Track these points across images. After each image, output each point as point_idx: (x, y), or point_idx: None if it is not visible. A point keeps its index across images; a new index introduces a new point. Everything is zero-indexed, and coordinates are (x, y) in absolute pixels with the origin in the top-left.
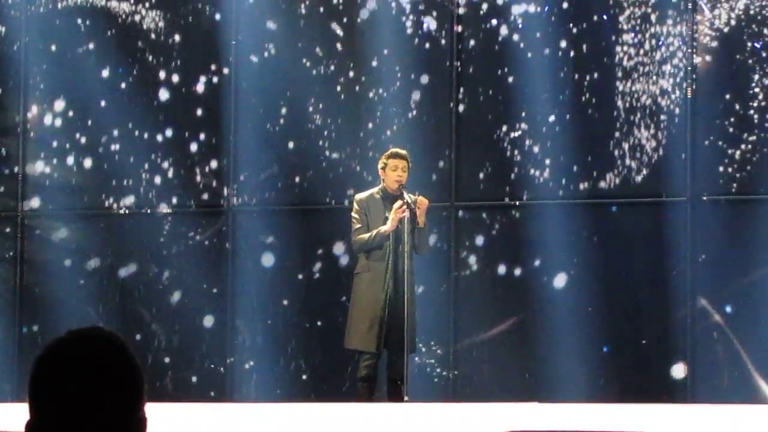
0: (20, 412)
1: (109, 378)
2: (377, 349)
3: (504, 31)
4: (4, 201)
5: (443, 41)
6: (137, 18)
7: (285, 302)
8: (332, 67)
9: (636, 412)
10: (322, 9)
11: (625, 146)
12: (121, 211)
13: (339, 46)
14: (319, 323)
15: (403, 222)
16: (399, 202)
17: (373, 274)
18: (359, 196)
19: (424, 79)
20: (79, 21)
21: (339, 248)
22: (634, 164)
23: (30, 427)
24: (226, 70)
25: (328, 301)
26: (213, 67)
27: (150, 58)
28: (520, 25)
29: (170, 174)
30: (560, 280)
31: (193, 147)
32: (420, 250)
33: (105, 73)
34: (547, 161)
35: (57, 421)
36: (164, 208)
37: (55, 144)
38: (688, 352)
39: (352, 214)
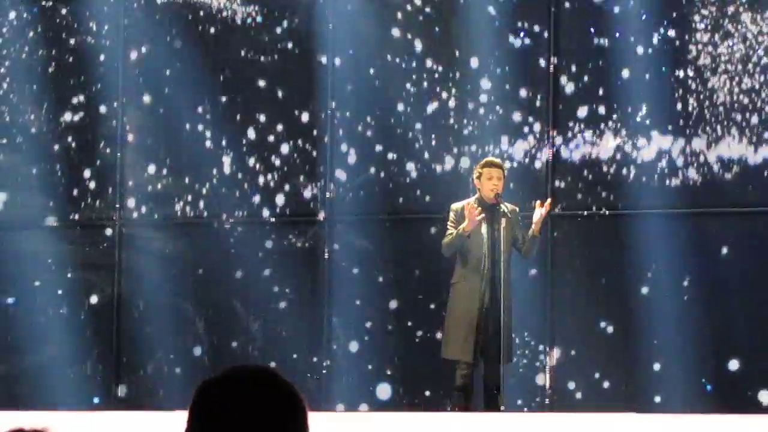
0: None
1: (273, 418)
2: (473, 358)
3: None
4: (103, 209)
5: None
6: (229, 19)
7: (381, 311)
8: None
9: (731, 424)
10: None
11: None
12: (225, 221)
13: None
14: (418, 333)
15: (500, 230)
16: (470, 202)
17: (469, 283)
18: (455, 205)
19: (523, 92)
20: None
21: (437, 258)
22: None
23: None
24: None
25: (425, 310)
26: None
27: (246, 54)
28: None
29: (267, 182)
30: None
31: (286, 154)
32: (528, 255)
33: (202, 81)
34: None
35: None
36: (262, 216)
37: (150, 152)
38: None
39: (447, 223)
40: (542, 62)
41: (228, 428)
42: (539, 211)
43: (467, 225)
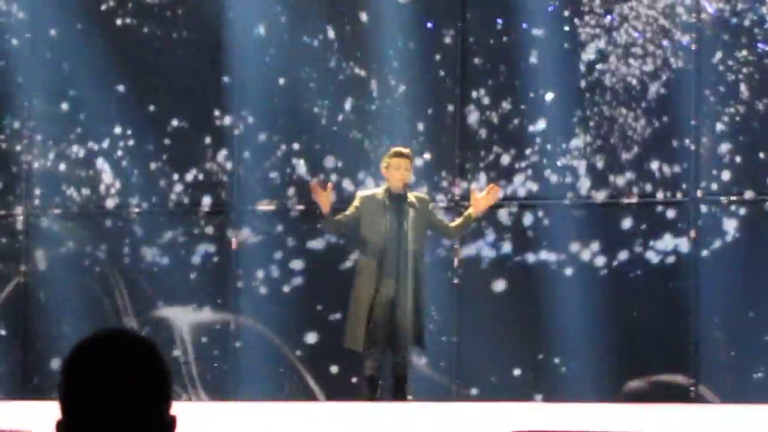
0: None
1: (138, 378)
2: (363, 348)
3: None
4: (10, 200)
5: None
6: (137, 20)
7: (291, 300)
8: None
9: (639, 412)
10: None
11: None
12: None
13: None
14: (329, 318)
15: (408, 221)
16: (379, 191)
17: (364, 274)
18: (362, 192)
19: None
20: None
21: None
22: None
23: (60, 426)
24: (227, 79)
25: (332, 299)
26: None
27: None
28: None
29: (173, 169)
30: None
31: (198, 146)
32: (453, 237)
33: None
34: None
35: (86, 420)
36: (168, 205)
37: (59, 141)
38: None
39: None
40: (448, 40)
41: (92, 395)
42: (481, 194)
43: (324, 210)
